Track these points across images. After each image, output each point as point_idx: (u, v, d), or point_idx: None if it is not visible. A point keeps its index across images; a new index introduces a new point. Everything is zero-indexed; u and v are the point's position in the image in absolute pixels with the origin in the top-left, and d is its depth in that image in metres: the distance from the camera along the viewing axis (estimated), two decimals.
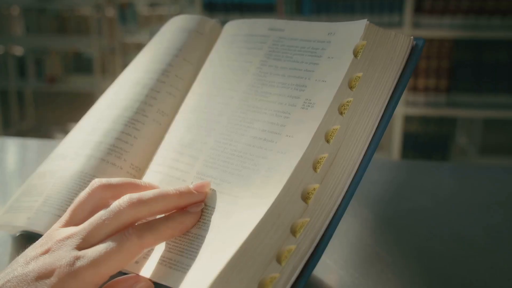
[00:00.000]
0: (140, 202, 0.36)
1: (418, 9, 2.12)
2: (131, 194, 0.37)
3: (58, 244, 0.34)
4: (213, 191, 0.40)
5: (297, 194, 0.36)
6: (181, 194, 0.38)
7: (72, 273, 0.32)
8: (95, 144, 0.47)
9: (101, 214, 0.36)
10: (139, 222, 0.37)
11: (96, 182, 0.39)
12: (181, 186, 0.39)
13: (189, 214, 0.38)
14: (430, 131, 2.34)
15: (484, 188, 0.67)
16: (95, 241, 0.35)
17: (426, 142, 2.32)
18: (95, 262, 0.33)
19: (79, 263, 0.33)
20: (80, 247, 0.34)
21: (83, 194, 0.38)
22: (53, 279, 0.32)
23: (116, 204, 0.36)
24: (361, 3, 2.14)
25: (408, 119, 2.27)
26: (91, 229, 0.35)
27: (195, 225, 0.38)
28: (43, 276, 0.33)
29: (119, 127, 0.48)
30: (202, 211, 0.39)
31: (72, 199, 0.44)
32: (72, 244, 0.34)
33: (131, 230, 0.35)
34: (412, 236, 0.53)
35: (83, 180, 0.45)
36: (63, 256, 0.33)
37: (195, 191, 0.39)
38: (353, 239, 0.52)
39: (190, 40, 0.52)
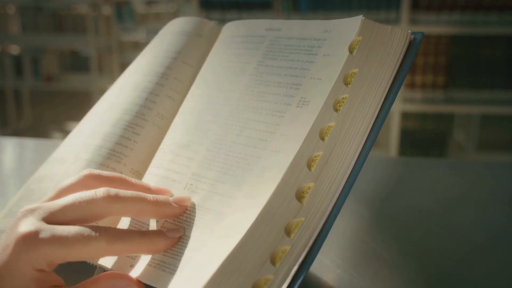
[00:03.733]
0: (116, 198, 0.35)
1: (415, 5, 2.12)
2: (110, 188, 0.36)
3: (25, 213, 0.34)
4: (208, 192, 0.39)
5: (291, 193, 0.36)
6: (158, 202, 0.37)
7: (31, 242, 0.32)
8: (94, 148, 0.47)
9: (75, 197, 0.35)
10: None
11: (87, 171, 0.38)
12: (160, 196, 0.38)
13: (164, 237, 0.36)
14: (428, 127, 2.34)
15: (482, 185, 0.67)
16: (59, 221, 0.34)
17: (424, 139, 2.32)
18: (57, 241, 0.32)
19: (41, 235, 0.32)
20: (45, 220, 0.33)
21: (72, 179, 0.37)
22: (11, 246, 0.32)
23: (91, 192, 0.35)
24: (358, 0, 2.13)
25: (405, 116, 2.27)
26: (59, 207, 0.34)
27: (189, 227, 0.38)
28: (7, 245, 0.32)
29: (119, 131, 0.47)
30: (184, 232, 0.37)
31: None
32: (37, 215, 0.33)
33: (103, 232, 0.34)
34: (410, 233, 0.53)
35: None
36: (26, 224, 0.32)
37: (174, 204, 0.38)
38: (350, 237, 0.51)
39: (189, 42, 0.51)
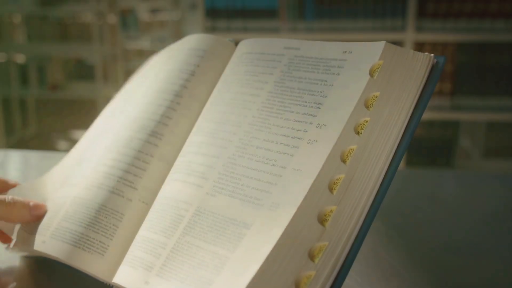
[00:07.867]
0: None
1: (421, 13, 2.11)
2: None
3: None
4: (222, 216, 0.39)
5: (313, 216, 0.35)
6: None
7: None
8: (109, 169, 0.47)
9: None
10: None
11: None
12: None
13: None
14: (434, 135, 2.33)
15: (495, 197, 0.67)
16: None
17: (430, 146, 2.31)
18: None
19: None
20: None
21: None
22: None
23: None
24: (364, 8, 2.13)
25: None
26: None
27: (203, 254, 0.37)
28: None
29: (132, 152, 0.47)
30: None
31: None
32: None
33: None
34: (428, 248, 0.52)
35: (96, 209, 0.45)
36: None
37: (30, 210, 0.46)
38: (368, 253, 0.51)
39: (204, 60, 0.51)
